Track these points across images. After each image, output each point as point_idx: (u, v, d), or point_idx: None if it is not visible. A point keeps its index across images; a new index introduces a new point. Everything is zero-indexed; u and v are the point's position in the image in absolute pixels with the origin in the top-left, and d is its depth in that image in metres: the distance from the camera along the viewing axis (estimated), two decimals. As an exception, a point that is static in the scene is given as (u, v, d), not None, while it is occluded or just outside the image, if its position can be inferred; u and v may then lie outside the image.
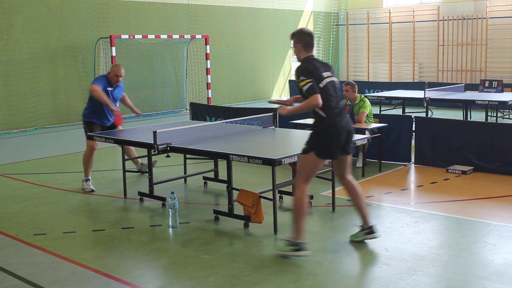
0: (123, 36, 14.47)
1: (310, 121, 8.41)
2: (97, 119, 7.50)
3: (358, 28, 21.15)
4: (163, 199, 6.46)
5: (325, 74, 4.77)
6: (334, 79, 4.86)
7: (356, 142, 6.04)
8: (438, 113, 13.66)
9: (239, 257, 4.83)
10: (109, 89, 7.49)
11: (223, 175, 6.90)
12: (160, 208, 6.42)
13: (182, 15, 16.63)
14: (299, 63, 4.86)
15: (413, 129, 8.60)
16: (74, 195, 7.12)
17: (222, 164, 6.73)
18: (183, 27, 16.63)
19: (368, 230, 5.03)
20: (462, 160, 7.86)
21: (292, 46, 4.92)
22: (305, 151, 4.79)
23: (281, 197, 6.50)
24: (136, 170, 7.97)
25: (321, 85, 4.69)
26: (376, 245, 4.98)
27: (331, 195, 6.15)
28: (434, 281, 4.23)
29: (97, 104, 7.39)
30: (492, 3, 17.91)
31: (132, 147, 7.82)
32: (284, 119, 9.45)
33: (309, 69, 4.72)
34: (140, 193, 6.72)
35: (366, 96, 8.79)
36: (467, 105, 11.75)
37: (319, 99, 4.61)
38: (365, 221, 5.06)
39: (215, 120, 10.30)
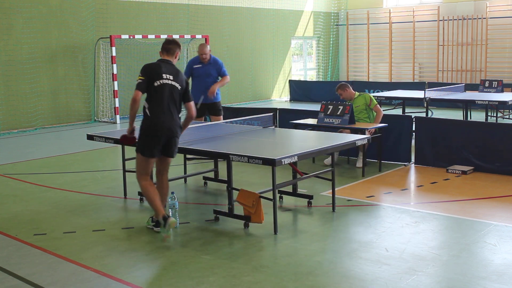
0: (123, 36, 14.48)
1: (310, 121, 8.46)
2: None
3: (358, 28, 21.16)
4: (163, 199, 6.46)
5: (166, 76, 5.31)
6: (176, 84, 5.35)
7: (357, 142, 6.04)
8: (438, 113, 13.66)
9: (239, 257, 4.83)
10: (195, 66, 8.44)
11: (223, 175, 6.90)
12: (160, 208, 6.41)
13: (182, 15, 16.63)
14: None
15: (413, 129, 8.60)
16: (74, 195, 7.12)
17: (222, 164, 6.74)
18: (183, 27, 16.63)
19: (156, 224, 5.45)
20: (462, 160, 7.86)
21: None
22: (136, 149, 5.42)
23: (281, 197, 6.50)
24: None
25: (155, 84, 5.26)
26: (376, 245, 4.98)
27: (331, 195, 6.15)
28: (434, 281, 4.23)
29: (195, 84, 8.46)
30: (492, 3, 17.91)
31: None
32: (284, 119, 9.45)
33: (149, 68, 5.37)
34: (140, 193, 6.71)
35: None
36: (467, 105, 11.75)
37: (136, 95, 5.19)
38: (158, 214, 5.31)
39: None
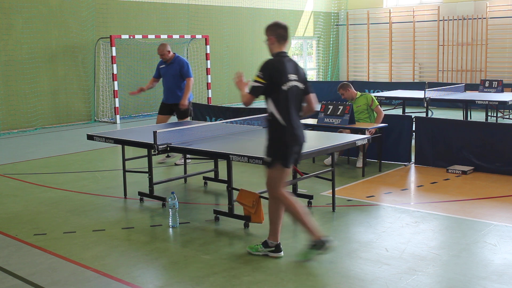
0: (123, 36, 14.48)
1: (310, 121, 8.46)
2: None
3: (358, 28, 21.15)
4: (163, 199, 6.46)
5: (292, 76, 4.59)
6: (299, 84, 4.65)
7: (357, 142, 6.03)
8: (438, 113, 13.66)
9: (239, 257, 4.83)
10: (161, 66, 8.61)
11: (223, 175, 6.90)
12: (160, 208, 6.42)
13: (182, 15, 16.63)
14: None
15: (413, 129, 8.60)
16: (74, 195, 7.12)
17: (222, 164, 6.73)
18: (183, 27, 16.63)
19: (275, 248, 4.81)
20: (462, 160, 7.86)
21: (265, 39, 4.72)
22: (269, 164, 4.64)
23: (281, 197, 6.49)
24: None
25: (283, 87, 4.53)
26: (376, 245, 4.98)
27: (331, 195, 6.15)
28: (434, 281, 4.23)
29: (163, 83, 8.73)
30: (492, 3, 17.91)
31: None
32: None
33: (274, 68, 4.54)
34: (140, 193, 6.72)
35: None
36: (467, 105, 11.75)
37: (248, 100, 4.53)
38: (275, 236, 4.83)
39: (215, 120, 10.30)
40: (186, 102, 8.45)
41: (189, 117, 8.67)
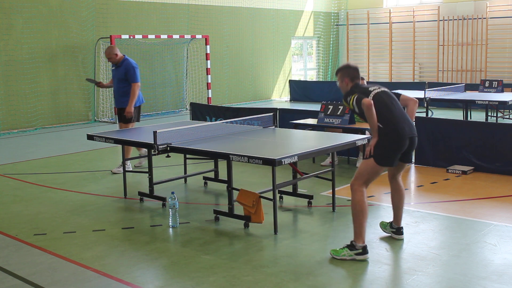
0: (123, 36, 14.47)
1: (310, 121, 8.46)
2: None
3: (358, 28, 21.16)
4: (163, 199, 6.47)
5: (372, 88, 4.87)
6: (384, 89, 4.91)
7: (357, 142, 6.03)
8: (438, 113, 13.66)
9: (239, 257, 4.83)
10: (112, 68, 8.48)
11: (223, 175, 6.90)
12: (160, 208, 6.43)
13: (182, 15, 16.63)
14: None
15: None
16: (74, 195, 7.12)
17: (222, 164, 6.74)
18: (183, 27, 16.63)
19: (396, 230, 5.17)
20: (462, 160, 7.86)
21: (338, 81, 5.00)
22: (368, 157, 4.77)
23: (281, 197, 6.50)
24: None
25: (369, 98, 4.72)
26: (376, 245, 4.98)
27: (331, 195, 6.15)
28: (434, 281, 4.23)
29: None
30: (492, 3, 17.91)
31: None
32: (284, 119, 9.45)
33: (355, 90, 4.85)
34: (140, 193, 6.72)
35: None
36: (467, 105, 11.76)
37: (369, 101, 4.60)
38: (397, 221, 5.19)
39: (215, 120, 10.30)
40: (132, 110, 8.11)
41: (134, 123, 8.31)
